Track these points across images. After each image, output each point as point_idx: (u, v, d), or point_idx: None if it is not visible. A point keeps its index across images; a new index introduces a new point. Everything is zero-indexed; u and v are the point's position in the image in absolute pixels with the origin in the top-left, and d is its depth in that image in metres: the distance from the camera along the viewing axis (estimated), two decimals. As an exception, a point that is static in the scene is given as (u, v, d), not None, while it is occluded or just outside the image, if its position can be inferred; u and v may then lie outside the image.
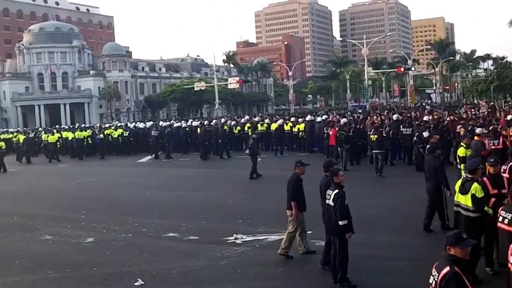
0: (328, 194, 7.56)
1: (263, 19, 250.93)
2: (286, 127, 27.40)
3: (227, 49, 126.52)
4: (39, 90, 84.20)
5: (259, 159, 18.89)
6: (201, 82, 73.84)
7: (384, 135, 18.80)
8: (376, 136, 17.90)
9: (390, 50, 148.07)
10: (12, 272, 9.08)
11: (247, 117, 35.96)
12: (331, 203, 7.46)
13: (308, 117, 28.32)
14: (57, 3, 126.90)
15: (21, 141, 32.67)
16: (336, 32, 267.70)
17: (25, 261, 9.69)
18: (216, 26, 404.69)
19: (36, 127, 58.64)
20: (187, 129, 31.19)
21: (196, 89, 71.29)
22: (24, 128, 51.70)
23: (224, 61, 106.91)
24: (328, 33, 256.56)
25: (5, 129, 52.38)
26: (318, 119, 26.94)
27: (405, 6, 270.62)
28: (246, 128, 29.14)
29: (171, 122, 35.62)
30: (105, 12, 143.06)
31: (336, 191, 7.42)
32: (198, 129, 29.33)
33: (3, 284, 8.53)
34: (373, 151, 18.22)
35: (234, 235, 10.54)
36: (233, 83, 71.40)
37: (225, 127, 28.48)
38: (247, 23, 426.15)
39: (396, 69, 72.69)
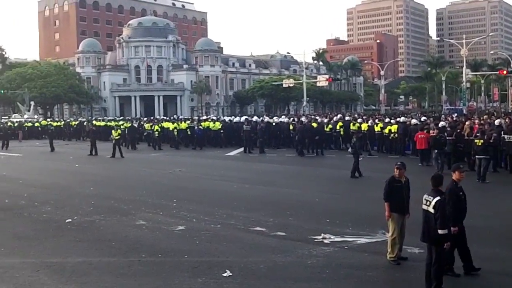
0: (427, 200, 7.27)
1: (355, 16, 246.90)
2: (377, 128, 26.79)
3: (317, 47, 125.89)
4: (135, 82, 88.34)
5: (360, 159, 18.69)
6: (289, 79, 74.08)
7: (491, 140, 17.80)
8: (482, 141, 17.02)
9: (491, 52, 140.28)
10: (109, 253, 9.54)
11: (339, 115, 35.72)
12: (431, 210, 7.16)
13: (402, 119, 27.50)
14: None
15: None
16: (432, 32, 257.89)
17: (120, 243, 10.14)
18: (307, 23, 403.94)
19: (138, 117, 61.74)
20: (278, 124, 31.44)
21: (284, 85, 71.61)
22: (128, 118, 54.92)
23: (313, 59, 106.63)
24: (423, 32, 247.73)
25: (111, 117, 55.61)
26: (414, 121, 26.10)
27: (509, 5, 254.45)
28: (338, 127, 29.04)
29: (263, 117, 36.16)
30: (199, 8, 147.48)
31: (438, 198, 7.14)
32: (290, 126, 29.63)
33: (100, 263, 8.97)
34: (477, 156, 17.27)
35: (322, 234, 10.40)
36: (322, 80, 71.02)
37: (314, 124, 28.22)
38: (338, 20, 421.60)
39: (497, 72, 68.58)
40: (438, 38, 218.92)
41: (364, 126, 27.62)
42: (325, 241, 10.07)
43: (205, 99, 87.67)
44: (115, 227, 11.53)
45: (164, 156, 28.49)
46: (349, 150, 19.74)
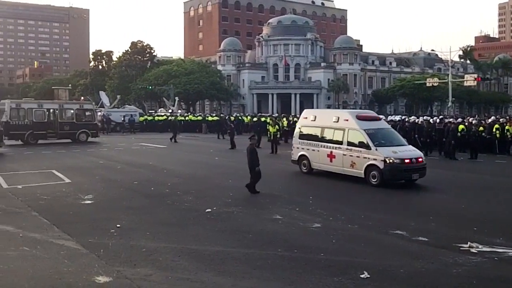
0: None
1: (508, 11, 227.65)
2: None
3: (464, 44, 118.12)
4: (273, 80, 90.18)
5: None
6: (433, 78, 70.43)
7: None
8: None
9: None
10: (246, 245, 9.70)
11: (493, 117, 33.57)
12: None
13: None
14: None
15: (285, 125, 35.26)
16: None
17: (257, 236, 10.26)
18: (453, 19, 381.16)
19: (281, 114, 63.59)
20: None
21: (428, 85, 68.29)
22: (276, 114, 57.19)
23: (460, 57, 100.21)
24: None
25: (258, 114, 57.86)
26: None
27: None
28: (494, 130, 27.60)
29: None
30: (339, 5, 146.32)
31: None
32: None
33: (238, 253, 9.15)
34: None
35: (469, 242, 9.61)
36: (469, 80, 66.27)
37: (461, 126, 26.58)
38: (489, 16, 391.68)
39: None
40: None
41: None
42: (472, 250, 9.30)
43: (342, 98, 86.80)
44: (252, 220, 11.74)
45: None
46: None
